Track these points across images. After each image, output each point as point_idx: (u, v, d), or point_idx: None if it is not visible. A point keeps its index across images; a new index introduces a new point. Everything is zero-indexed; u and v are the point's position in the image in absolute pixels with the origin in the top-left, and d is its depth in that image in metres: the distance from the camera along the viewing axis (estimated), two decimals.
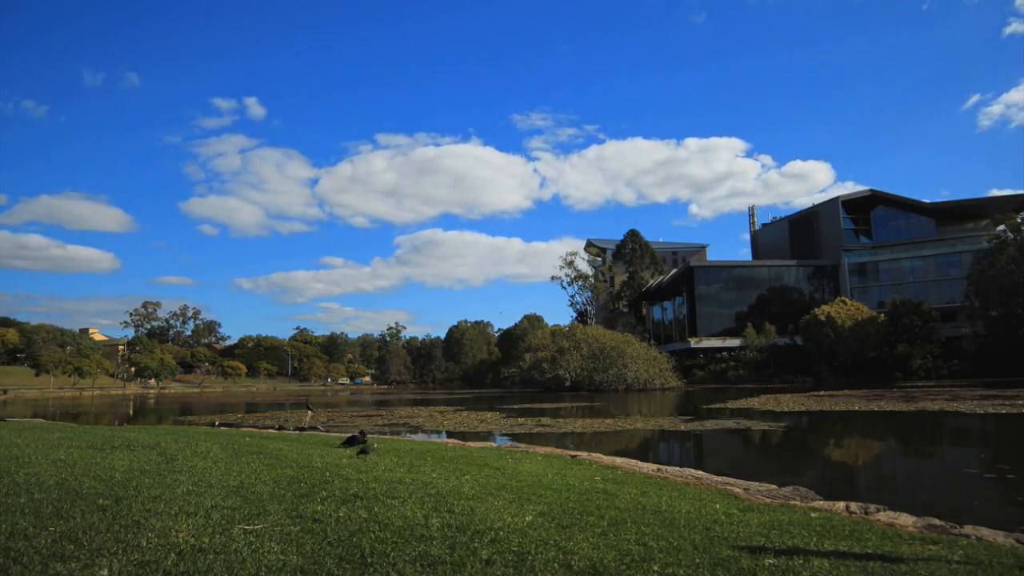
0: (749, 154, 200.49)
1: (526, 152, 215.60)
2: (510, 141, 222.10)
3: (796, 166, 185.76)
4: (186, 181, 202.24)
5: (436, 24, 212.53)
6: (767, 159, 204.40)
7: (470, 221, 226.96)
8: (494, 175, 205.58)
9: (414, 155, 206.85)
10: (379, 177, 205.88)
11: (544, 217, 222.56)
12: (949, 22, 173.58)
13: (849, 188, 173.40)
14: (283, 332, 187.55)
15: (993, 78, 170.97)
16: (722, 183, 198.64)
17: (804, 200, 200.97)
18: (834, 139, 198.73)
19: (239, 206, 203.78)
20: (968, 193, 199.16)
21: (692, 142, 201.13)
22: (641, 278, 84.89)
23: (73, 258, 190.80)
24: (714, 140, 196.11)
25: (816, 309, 62.62)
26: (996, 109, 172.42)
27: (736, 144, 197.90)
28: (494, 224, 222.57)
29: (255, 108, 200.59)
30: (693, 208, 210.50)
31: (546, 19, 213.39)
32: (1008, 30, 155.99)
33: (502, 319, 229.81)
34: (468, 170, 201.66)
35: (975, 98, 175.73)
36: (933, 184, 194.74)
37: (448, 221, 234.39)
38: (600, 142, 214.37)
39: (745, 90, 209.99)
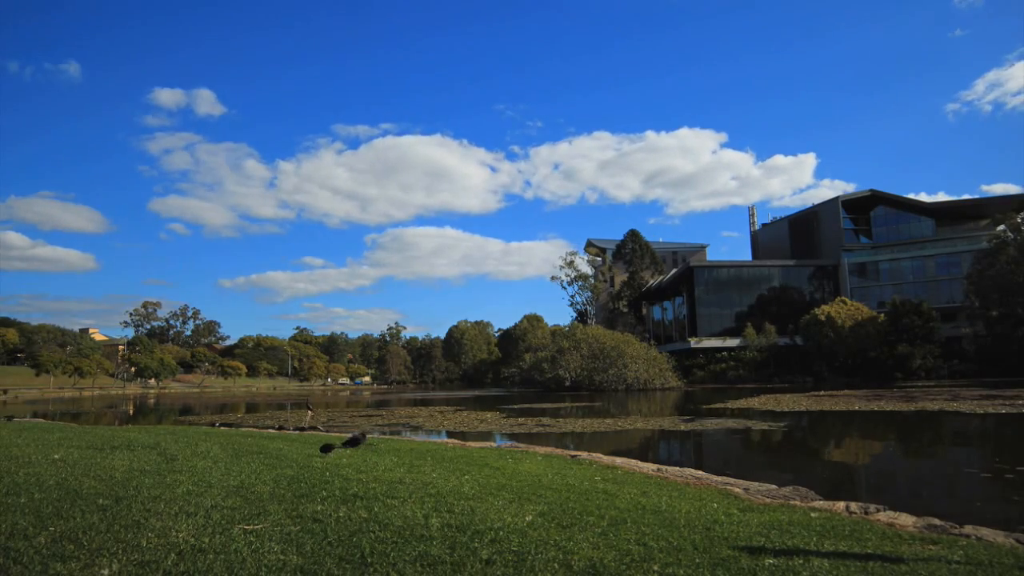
0: (728, 146, 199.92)
1: (501, 146, 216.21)
2: (482, 134, 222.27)
3: (779, 160, 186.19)
4: (143, 179, 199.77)
5: (401, 14, 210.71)
6: (751, 154, 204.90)
7: (451, 218, 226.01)
8: (466, 168, 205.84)
9: (380, 149, 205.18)
10: (335, 172, 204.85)
11: (521, 212, 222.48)
12: (899, 25, 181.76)
13: (828, 185, 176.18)
14: (283, 332, 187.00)
15: (952, 75, 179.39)
16: (703, 179, 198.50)
17: (787, 201, 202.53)
18: (813, 136, 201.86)
19: (208, 207, 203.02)
20: (949, 185, 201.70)
21: (672, 136, 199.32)
22: (641, 278, 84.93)
23: (51, 259, 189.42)
24: (684, 131, 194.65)
25: (816, 309, 62.59)
26: (954, 107, 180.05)
27: (717, 136, 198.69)
28: (470, 220, 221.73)
29: (208, 101, 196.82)
30: (671, 208, 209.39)
31: (521, 24, 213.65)
32: (952, 34, 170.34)
33: (502, 319, 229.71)
34: (439, 162, 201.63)
35: (939, 95, 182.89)
36: (913, 179, 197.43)
37: (421, 218, 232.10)
38: (567, 135, 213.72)
39: (719, 90, 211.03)
